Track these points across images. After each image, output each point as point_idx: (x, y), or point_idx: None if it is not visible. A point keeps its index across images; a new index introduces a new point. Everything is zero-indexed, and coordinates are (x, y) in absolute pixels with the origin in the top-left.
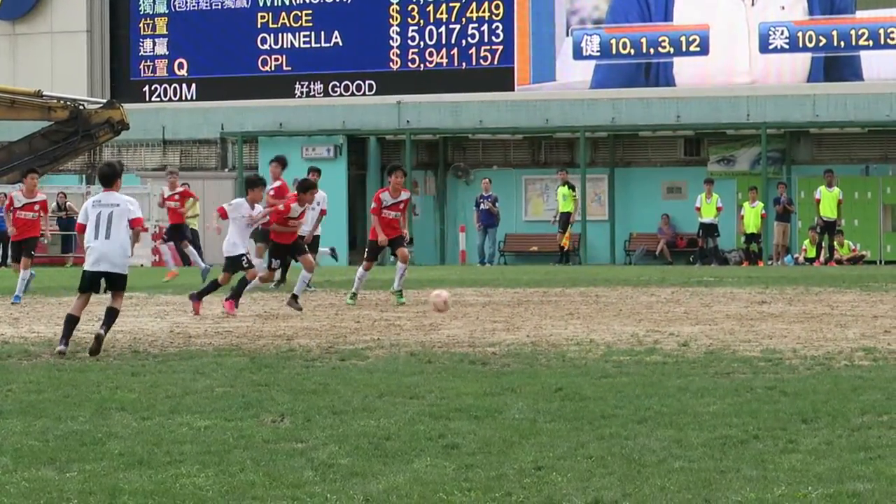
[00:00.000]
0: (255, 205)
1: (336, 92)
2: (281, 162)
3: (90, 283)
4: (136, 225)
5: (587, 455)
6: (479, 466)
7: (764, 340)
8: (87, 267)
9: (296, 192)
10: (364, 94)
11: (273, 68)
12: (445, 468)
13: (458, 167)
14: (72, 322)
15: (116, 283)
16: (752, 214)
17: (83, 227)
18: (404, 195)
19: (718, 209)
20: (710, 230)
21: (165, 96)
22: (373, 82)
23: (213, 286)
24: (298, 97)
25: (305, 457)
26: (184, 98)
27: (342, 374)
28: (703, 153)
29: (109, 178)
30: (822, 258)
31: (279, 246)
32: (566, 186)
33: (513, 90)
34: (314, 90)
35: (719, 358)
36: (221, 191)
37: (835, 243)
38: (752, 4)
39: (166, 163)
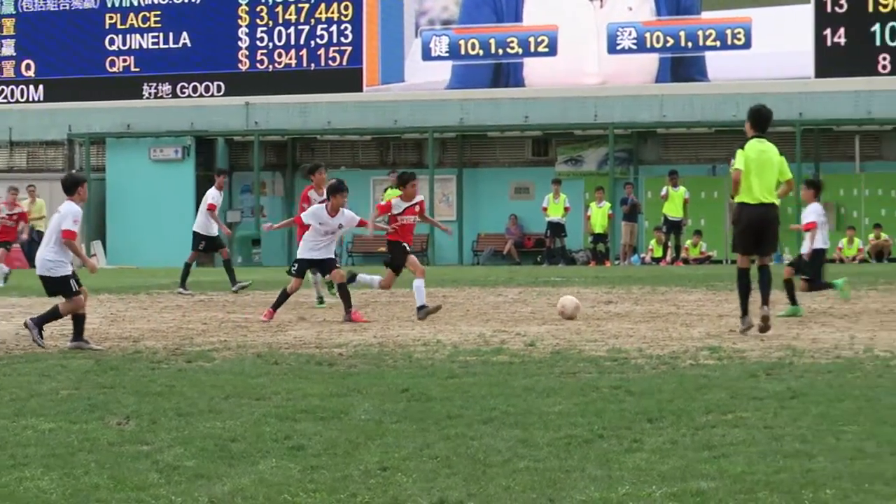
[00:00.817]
0: (343, 210)
1: (184, 93)
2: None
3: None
4: (63, 237)
5: (433, 455)
6: (325, 467)
7: (610, 340)
8: None
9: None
10: (212, 96)
11: (121, 69)
12: (291, 469)
13: (306, 168)
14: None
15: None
16: (600, 214)
17: None
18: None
19: (566, 209)
20: (557, 230)
21: (12, 97)
22: (221, 83)
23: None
24: (146, 98)
25: (150, 459)
26: (31, 99)
27: (188, 376)
28: (551, 153)
29: (66, 187)
30: (668, 258)
31: (399, 244)
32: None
33: (361, 91)
34: (162, 91)
35: (565, 357)
36: None
37: (688, 243)
38: (601, 6)
39: (13, 164)
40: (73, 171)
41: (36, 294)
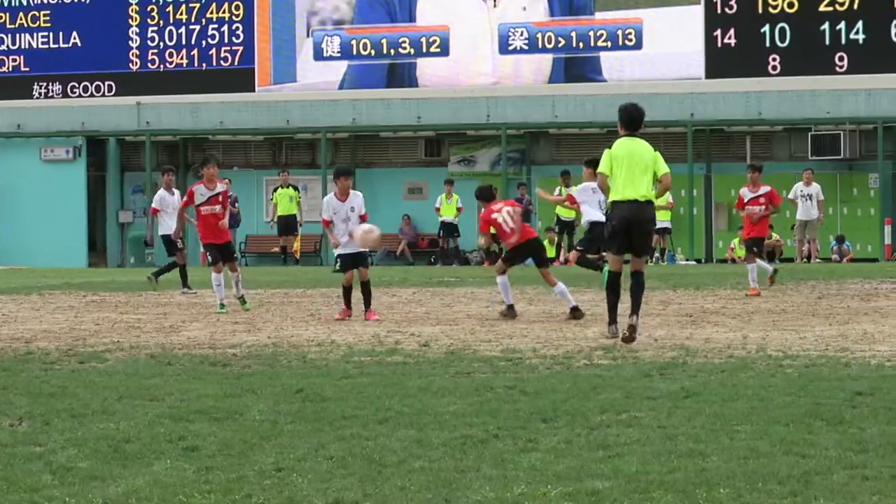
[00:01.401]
0: (353, 192)
1: (75, 93)
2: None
3: None
4: None
5: (328, 456)
6: (220, 468)
7: (504, 340)
8: None
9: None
10: (103, 95)
11: (10, 69)
12: (185, 470)
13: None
14: None
15: None
16: (450, 209)
17: None
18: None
19: (459, 209)
20: (450, 230)
21: None
22: (112, 83)
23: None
24: (37, 98)
25: (44, 460)
26: None
27: (81, 377)
28: (444, 154)
29: None
30: (561, 258)
31: (522, 246)
32: (290, 188)
33: (253, 91)
34: (53, 91)
35: (460, 358)
36: None
37: None
38: (495, 6)
39: None
40: None
41: None
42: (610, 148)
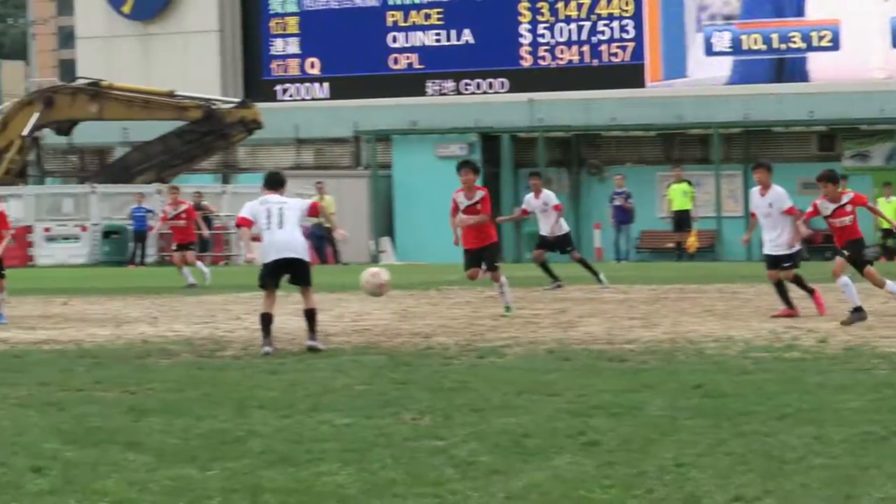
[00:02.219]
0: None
1: (468, 90)
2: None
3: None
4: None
5: (727, 452)
6: (620, 463)
7: None
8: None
9: None
10: (496, 92)
11: (404, 66)
12: (585, 465)
13: (592, 164)
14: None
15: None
16: (889, 210)
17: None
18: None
19: None
20: None
21: (298, 95)
22: (504, 80)
23: None
24: (430, 95)
25: (446, 454)
26: (316, 97)
27: (480, 372)
28: (837, 148)
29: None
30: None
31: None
32: (685, 183)
33: (644, 87)
34: (446, 88)
35: (858, 354)
36: (355, 189)
37: None
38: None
39: (300, 162)
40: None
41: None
42: None
